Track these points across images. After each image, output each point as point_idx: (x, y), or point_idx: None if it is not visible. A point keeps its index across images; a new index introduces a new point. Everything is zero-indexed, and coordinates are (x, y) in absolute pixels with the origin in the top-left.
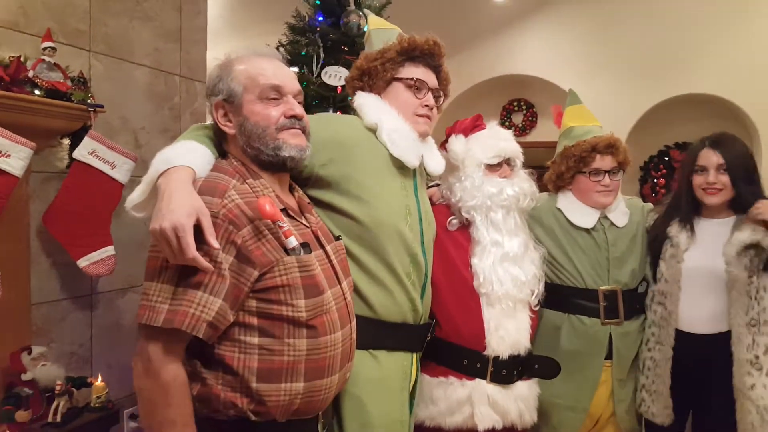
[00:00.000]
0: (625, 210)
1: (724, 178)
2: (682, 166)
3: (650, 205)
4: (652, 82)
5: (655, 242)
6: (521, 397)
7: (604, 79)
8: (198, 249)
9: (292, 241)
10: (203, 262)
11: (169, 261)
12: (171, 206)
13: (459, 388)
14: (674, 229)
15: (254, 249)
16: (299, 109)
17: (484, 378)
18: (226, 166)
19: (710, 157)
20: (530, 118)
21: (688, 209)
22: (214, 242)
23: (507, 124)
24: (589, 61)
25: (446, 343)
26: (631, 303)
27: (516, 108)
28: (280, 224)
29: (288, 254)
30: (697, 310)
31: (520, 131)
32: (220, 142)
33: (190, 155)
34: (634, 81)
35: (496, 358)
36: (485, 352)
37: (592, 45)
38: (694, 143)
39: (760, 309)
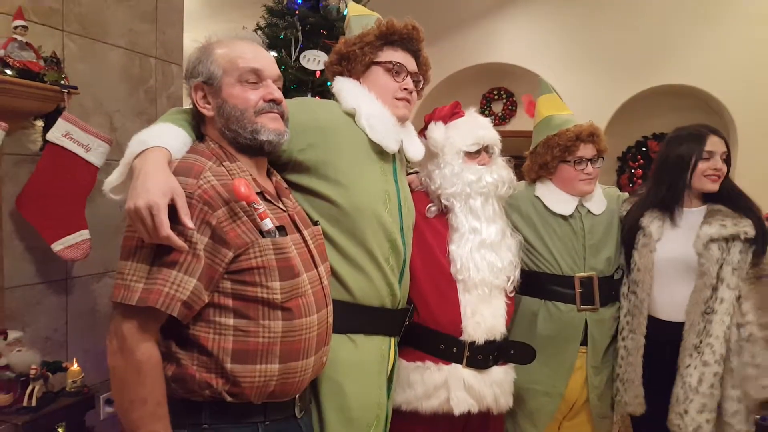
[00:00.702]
0: (602, 198)
1: (724, 168)
2: (676, 154)
3: (625, 194)
4: (631, 73)
5: (629, 232)
6: (497, 382)
7: (584, 69)
8: (172, 229)
9: (268, 224)
10: (177, 240)
11: (143, 240)
12: (146, 185)
13: (435, 373)
14: (646, 219)
15: (229, 230)
16: (278, 94)
17: (460, 363)
18: (202, 149)
19: (718, 144)
20: (510, 107)
21: (681, 196)
22: (189, 222)
23: (487, 112)
24: (570, 52)
25: (423, 329)
26: (607, 290)
27: (496, 97)
28: (255, 206)
29: (263, 236)
30: (670, 298)
31: (500, 120)
32: (198, 125)
33: (165, 137)
34: (614, 71)
35: (472, 343)
36: (461, 338)
37: (573, 35)
38: (688, 130)
39: (716, 299)
